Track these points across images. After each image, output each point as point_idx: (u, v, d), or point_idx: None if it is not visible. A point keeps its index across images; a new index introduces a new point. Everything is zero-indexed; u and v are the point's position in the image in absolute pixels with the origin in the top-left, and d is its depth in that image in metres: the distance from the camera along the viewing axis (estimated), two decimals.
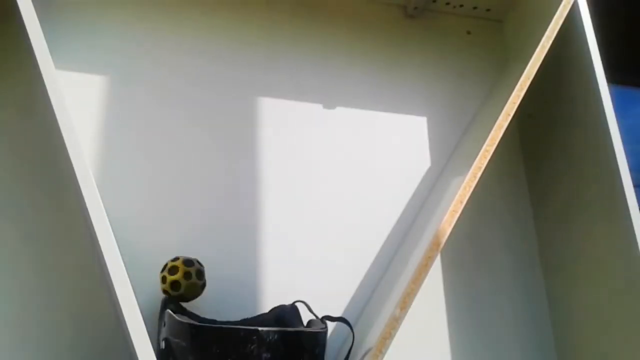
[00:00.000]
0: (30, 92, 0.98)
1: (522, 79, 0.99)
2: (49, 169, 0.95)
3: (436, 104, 1.25)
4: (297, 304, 0.92)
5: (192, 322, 0.75)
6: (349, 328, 0.89)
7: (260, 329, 0.72)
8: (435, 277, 1.10)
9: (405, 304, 0.81)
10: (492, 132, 0.94)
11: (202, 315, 0.90)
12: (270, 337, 0.72)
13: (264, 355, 0.71)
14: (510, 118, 0.96)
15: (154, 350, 0.66)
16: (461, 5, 1.32)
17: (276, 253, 1.03)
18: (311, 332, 0.79)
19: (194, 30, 1.13)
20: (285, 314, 0.90)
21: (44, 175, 0.95)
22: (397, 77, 1.24)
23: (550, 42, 1.03)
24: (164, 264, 0.87)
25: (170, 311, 0.78)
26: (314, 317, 0.87)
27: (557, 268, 1.14)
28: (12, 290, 0.88)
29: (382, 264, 1.08)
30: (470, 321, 1.09)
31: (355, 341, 0.90)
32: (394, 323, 0.80)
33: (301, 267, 1.03)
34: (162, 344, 0.76)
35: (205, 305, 0.93)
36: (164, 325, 0.78)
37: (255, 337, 0.71)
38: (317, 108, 1.16)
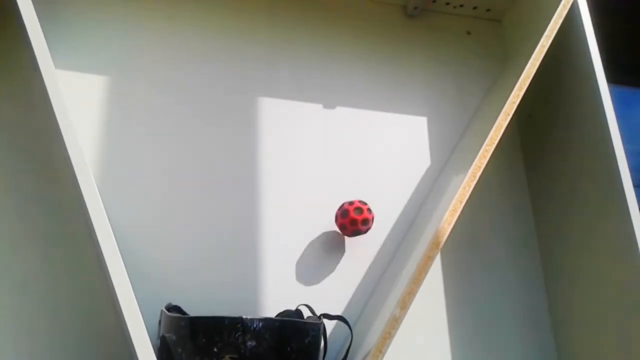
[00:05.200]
0: (30, 92, 0.98)
1: (521, 78, 0.99)
2: (49, 169, 0.95)
3: (436, 104, 1.25)
4: (300, 307, 0.93)
5: (180, 315, 0.76)
6: (348, 328, 0.89)
7: (244, 317, 0.73)
8: (435, 277, 1.10)
9: (405, 304, 0.81)
10: (492, 131, 0.94)
11: None
12: (255, 325, 0.73)
13: (249, 342, 0.72)
14: (510, 118, 0.96)
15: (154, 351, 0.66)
16: (461, 5, 1.32)
17: (276, 253, 1.03)
18: (296, 321, 0.79)
19: (195, 30, 1.13)
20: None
21: (44, 175, 0.95)
22: (397, 77, 1.25)
23: (550, 41, 1.03)
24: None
25: (163, 309, 0.79)
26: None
27: (557, 267, 1.14)
28: (12, 291, 0.88)
29: (382, 264, 1.08)
30: (470, 321, 1.09)
31: (354, 341, 0.90)
32: (394, 323, 0.80)
33: (302, 268, 1.03)
34: (158, 342, 0.76)
35: (208, 312, 0.93)
36: (159, 324, 0.79)
37: (239, 325, 0.73)
38: (317, 107, 1.16)
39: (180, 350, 0.72)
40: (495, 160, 1.21)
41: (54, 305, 0.89)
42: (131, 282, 0.69)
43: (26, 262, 0.90)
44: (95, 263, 0.92)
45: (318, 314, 0.89)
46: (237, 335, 0.72)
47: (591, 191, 1.06)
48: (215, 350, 0.71)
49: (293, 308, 0.94)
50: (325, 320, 0.87)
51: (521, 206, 1.23)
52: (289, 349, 0.75)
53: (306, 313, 0.92)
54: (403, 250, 1.05)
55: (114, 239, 0.69)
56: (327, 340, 0.94)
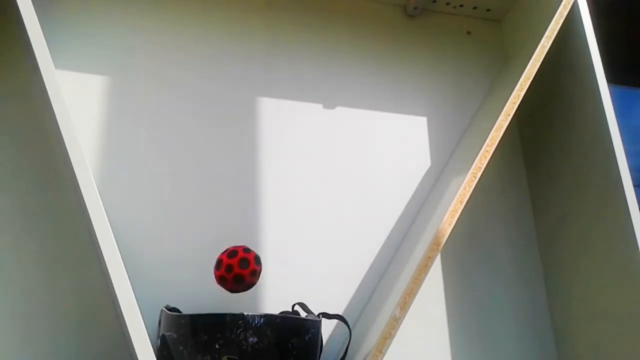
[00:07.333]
0: (30, 91, 0.98)
1: (522, 79, 0.99)
2: (49, 169, 0.95)
3: (436, 104, 1.25)
4: (296, 307, 0.93)
5: (180, 313, 0.76)
6: (348, 328, 0.89)
7: (245, 313, 0.74)
8: (435, 277, 1.10)
9: (405, 304, 0.81)
10: (492, 132, 0.94)
11: None
12: (256, 322, 0.73)
13: (251, 339, 0.72)
14: (510, 118, 0.96)
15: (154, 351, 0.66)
16: (461, 5, 1.32)
17: (276, 253, 1.02)
18: (296, 318, 0.79)
19: (194, 31, 1.13)
20: None
21: (44, 174, 0.95)
22: (397, 77, 1.24)
23: (550, 42, 1.03)
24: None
25: (163, 308, 0.79)
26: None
27: (558, 268, 1.14)
28: (12, 291, 0.88)
29: (382, 264, 1.08)
30: (470, 321, 1.09)
31: (355, 341, 0.90)
32: (394, 323, 0.80)
33: (301, 268, 1.03)
34: (158, 342, 0.77)
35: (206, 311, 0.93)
36: (159, 324, 0.79)
37: (241, 322, 0.73)
38: (317, 108, 1.16)
39: (181, 348, 0.72)
40: (495, 161, 1.21)
41: (53, 306, 0.89)
42: (131, 282, 0.68)
43: (25, 262, 0.90)
44: (95, 263, 0.92)
45: (315, 312, 0.89)
46: (238, 331, 0.72)
47: (591, 191, 1.06)
48: (217, 347, 0.71)
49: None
50: (324, 320, 0.87)
51: (521, 206, 1.23)
52: (289, 345, 0.75)
53: (302, 313, 0.92)
54: (403, 250, 1.05)
55: (113, 239, 0.69)
56: (325, 339, 0.94)
